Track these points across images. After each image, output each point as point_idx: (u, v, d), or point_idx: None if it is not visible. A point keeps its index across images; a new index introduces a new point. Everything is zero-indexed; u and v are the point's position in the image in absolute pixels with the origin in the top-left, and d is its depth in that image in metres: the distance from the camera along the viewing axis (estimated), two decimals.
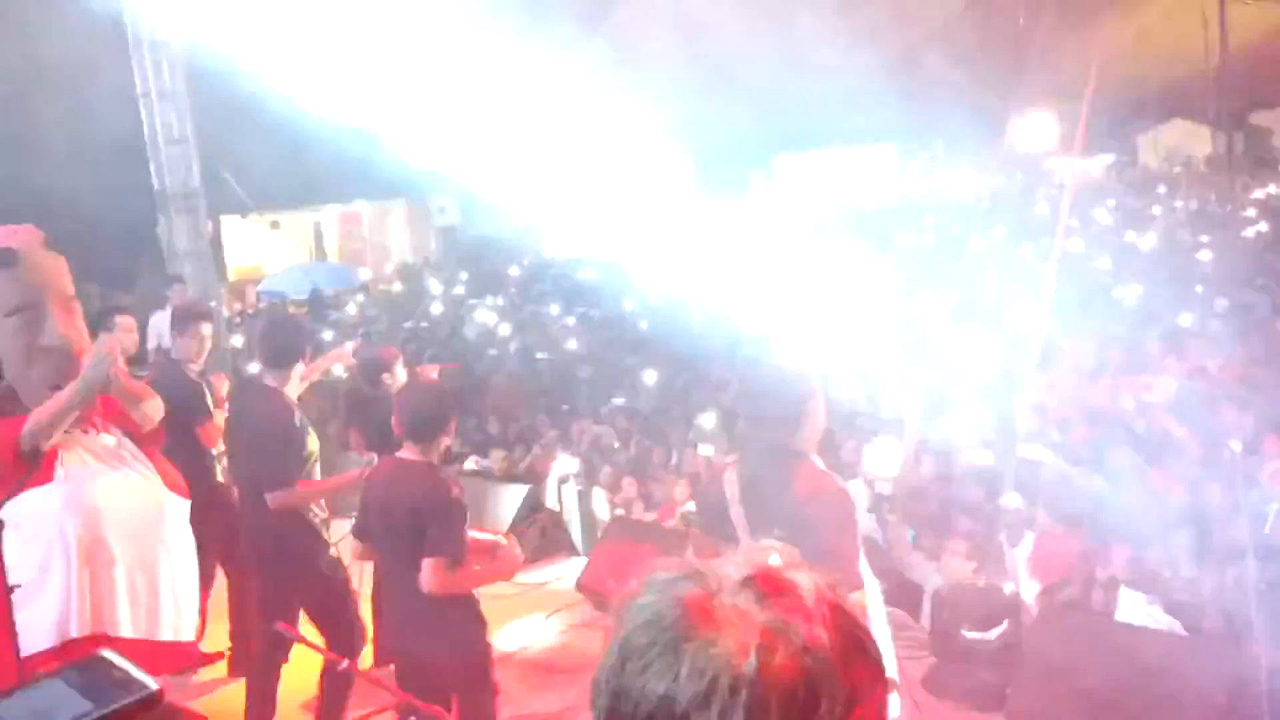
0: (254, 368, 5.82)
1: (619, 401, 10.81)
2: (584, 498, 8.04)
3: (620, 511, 8.16)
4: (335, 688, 4.49)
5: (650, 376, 11.54)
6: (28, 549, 3.44)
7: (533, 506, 7.70)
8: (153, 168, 11.12)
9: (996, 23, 17.69)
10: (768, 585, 0.99)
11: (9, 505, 3.41)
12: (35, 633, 3.35)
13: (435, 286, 20.22)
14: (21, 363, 3.45)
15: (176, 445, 5.17)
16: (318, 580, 4.57)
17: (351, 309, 20.97)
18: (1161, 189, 29.56)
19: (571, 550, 7.50)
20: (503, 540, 4.21)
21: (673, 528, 7.53)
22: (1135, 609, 5.36)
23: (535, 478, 8.57)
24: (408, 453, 3.91)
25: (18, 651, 3.28)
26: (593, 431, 9.98)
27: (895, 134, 42.99)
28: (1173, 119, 39.51)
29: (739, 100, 20.64)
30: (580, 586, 6.65)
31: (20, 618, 3.28)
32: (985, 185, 24.10)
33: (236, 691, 4.98)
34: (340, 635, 4.54)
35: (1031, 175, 37.27)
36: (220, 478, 5.60)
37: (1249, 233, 16.74)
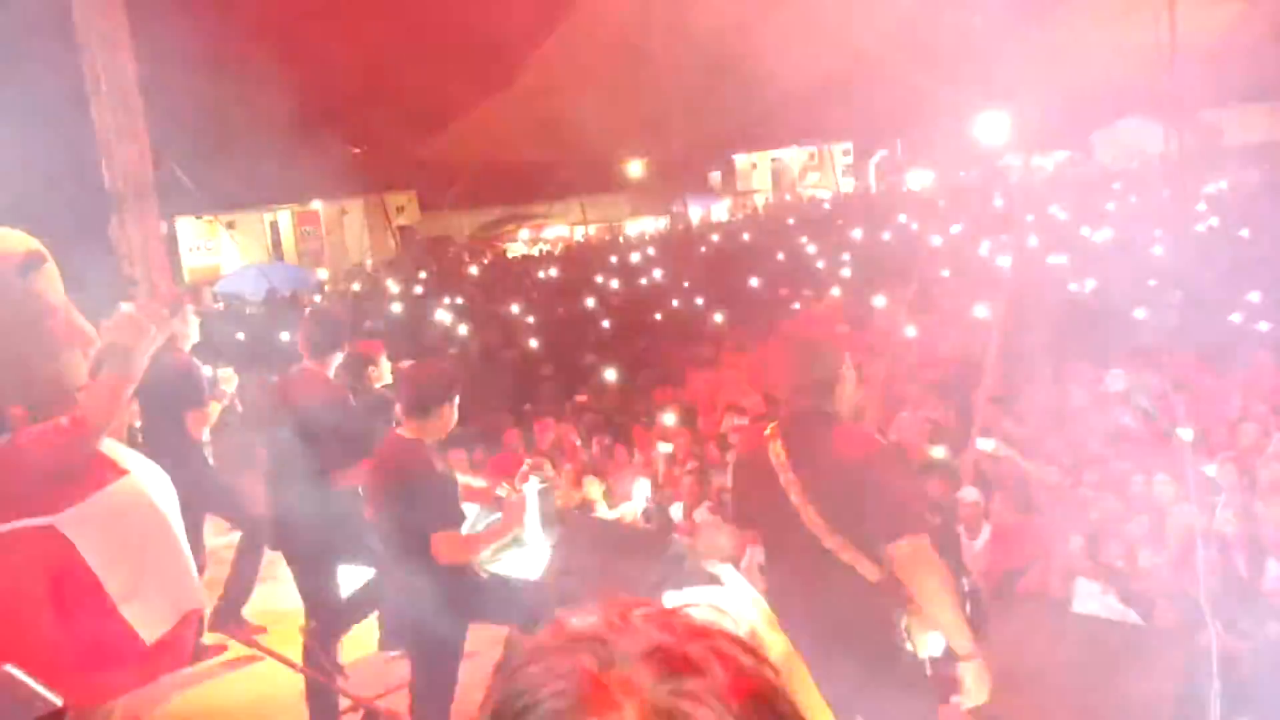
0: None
1: (581, 399, 10.79)
2: (545, 496, 8.01)
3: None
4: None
5: (611, 374, 11.54)
6: (133, 539, 3.46)
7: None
8: (104, 166, 10.94)
9: (953, 23, 17.83)
10: (673, 662, 0.85)
11: (97, 500, 3.39)
12: (156, 617, 3.40)
13: (394, 286, 20.07)
14: (51, 364, 3.43)
15: (169, 431, 5.26)
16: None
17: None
18: (1116, 185, 29.98)
19: (532, 549, 7.47)
20: (502, 490, 4.39)
21: (634, 524, 7.55)
22: (1091, 599, 5.42)
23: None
24: (405, 430, 4.09)
25: (143, 640, 3.35)
26: (554, 430, 9.95)
27: (854, 132, 43.42)
28: (1126, 116, 40.17)
29: (696, 101, 20.68)
30: (539, 587, 6.63)
31: (132, 610, 3.33)
32: (943, 182, 24.29)
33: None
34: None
35: (988, 172, 37.75)
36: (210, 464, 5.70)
37: (1200, 227, 17.00)
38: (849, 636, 3.07)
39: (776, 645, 1.00)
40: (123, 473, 3.56)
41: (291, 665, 4.33)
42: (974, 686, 3.12)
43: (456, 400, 4.17)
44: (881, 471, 3.13)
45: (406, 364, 5.81)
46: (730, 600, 1.02)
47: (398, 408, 5.89)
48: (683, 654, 0.85)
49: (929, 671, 3.29)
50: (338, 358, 4.96)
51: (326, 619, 4.84)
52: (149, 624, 3.38)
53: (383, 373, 5.98)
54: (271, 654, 4.24)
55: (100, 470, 3.51)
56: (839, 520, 3.12)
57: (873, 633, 3.16)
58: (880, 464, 3.15)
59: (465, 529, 4.30)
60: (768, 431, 3.34)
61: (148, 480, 3.65)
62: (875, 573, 3.11)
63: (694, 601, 0.97)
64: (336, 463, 4.65)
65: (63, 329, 3.49)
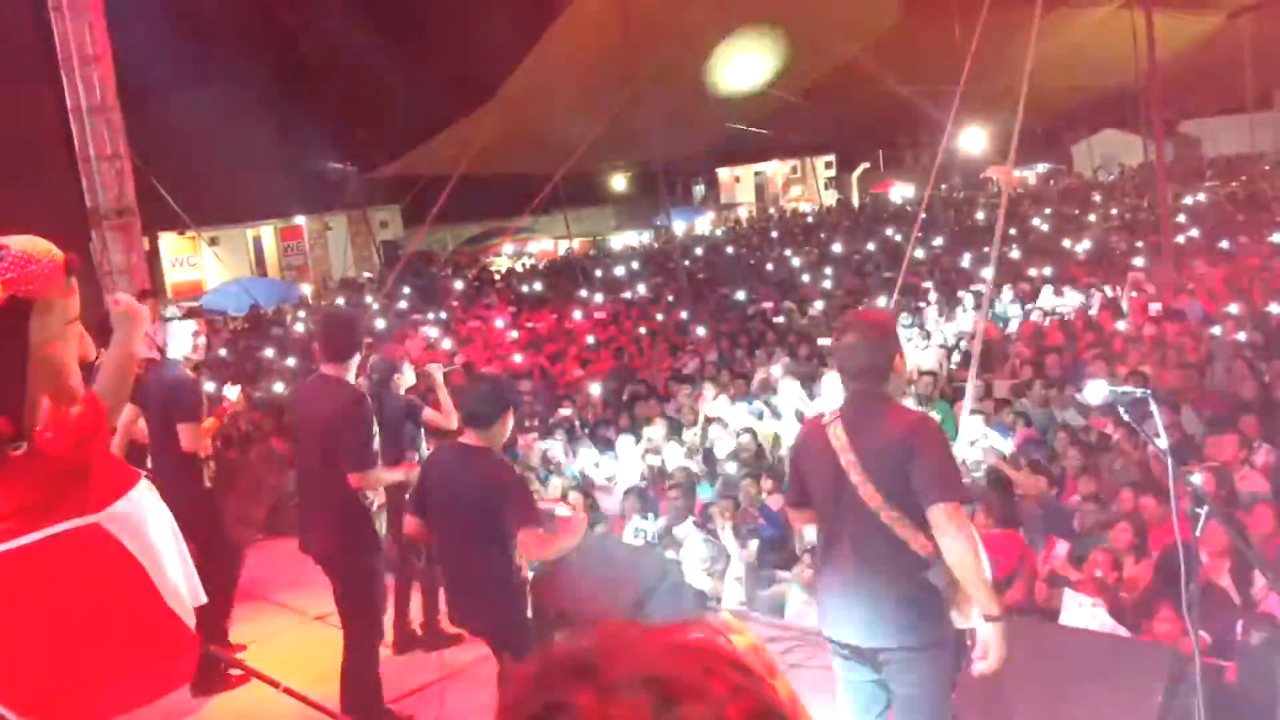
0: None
1: (565, 413, 10.77)
2: None
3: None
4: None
5: (596, 389, 11.53)
6: (160, 537, 3.58)
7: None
8: (84, 184, 10.90)
9: (932, 36, 17.93)
10: (670, 688, 0.83)
11: (131, 498, 3.48)
12: (186, 611, 3.52)
13: (378, 301, 20.02)
14: (68, 374, 3.47)
15: (170, 444, 5.34)
16: (366, 568, 4.83)
17: (300, 326, 20.71)
18: (1096, 197, 30.18)
19: None
20: (565, 508, 4.52)
21: (621, 539, 7.53)
22: (1078, 611, 5.44)
23: None
24: (468, 439, 4.18)
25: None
26: (539, 445, 9.93)
27: (835, 145, 43.60)
28: (1105, 129, 40.47)
29: (679, 114, 20.71)
30: None
31: (173, 603, 3.43)
32: (924, 194, 24.37)
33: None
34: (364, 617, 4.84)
35: (969, 184, 37.96)
36: (207, 482, 5.69)
37: (1180, 239, 17.12)
38: (903, 609, 3.40)
39: (781, 689, 0.98)
40: (138, 475, 3.63)
41: (273, 684, 4.32)
42: (995, 648, 3.35)
43: (514, 410, 4.30)
44: (924, 442, 3.37)
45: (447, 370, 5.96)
46: (726, 620, 1.01)
47: (425, 412, 6.01)
48: (679, 678, 0.84)
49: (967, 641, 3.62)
50: (355, 361, 4.95)
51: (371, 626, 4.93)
52: (187, 616, 3.50)
53: (407, 379, 6.13)
54: (255, 674, 4.23)
55: (124, 470, 3.62)
56: (894, 495, 3.35)
57: (926, 601, 3.40)
58: (924, 435, 3.39)
59: None
60: (827, 417, 3.61)
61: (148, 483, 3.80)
62: (928, 548, 3.34)
63: (688, 621, 0.97)
64: (360, 465, 4.68)
65: (75, 338, 3.59)
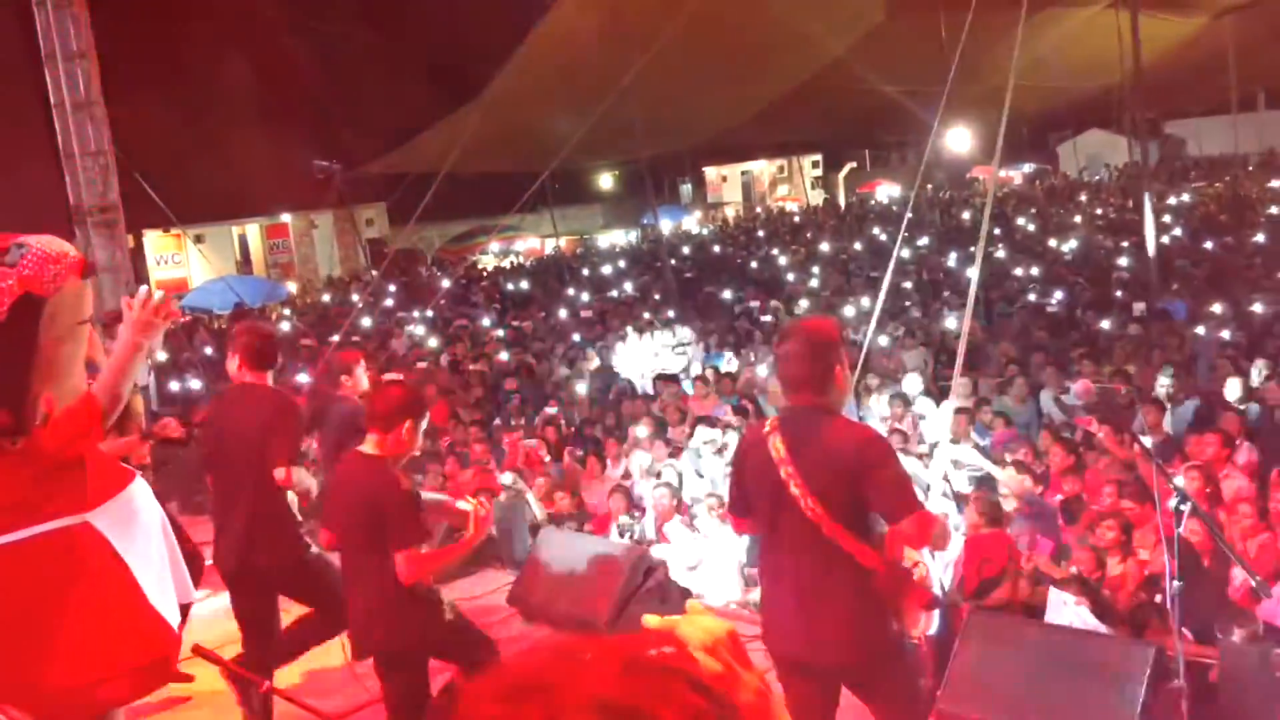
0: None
1: (551, 412, 10.76)
2: (516, 509, 7.98)
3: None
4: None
5: (582, 387, 11.52)
6: (149, 536, 3.66)
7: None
8: (68, 181, 10.84)
9: (917, 36, 17.97)
10: (624, 715, 0.81)
11: (123, 498, 3.58)
12: (172, 609, 3.60)
13: (363, 299, 19.96)
14: (74, 373, 3.51)
15: None
16: (303, 568, 4.69)
17: (285, 325, 20.62)
18: (1082, 197, 30.30)
19: (503, 563, 7.44)
20: (466, 503, 4.25)
21: (606, 537, 7.53)
22: (1063, 609, 5.45)
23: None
24: (369, 446, 4.02)
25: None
26: (525, 444, 9.91)
27: (822, 144, 43.70)
28: (1090, 129, 40.66)
29: (665, 112, 20.71)
30: (511, 599, 6.61)
31: (158, 603, 3.51)
32: (909, 194, 24.44)
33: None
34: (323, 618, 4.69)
35: (955, 184, 38.07)
36: None
37: (1165, 239, 17.21)
38: (850, 622, 3.33)
39: (748, 682, 0.95)
40: (133, 474, 3.75)
41: (258, 683, 4.29)
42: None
43: (422, 421, 4.09)
44: (876, 458, 3.31)
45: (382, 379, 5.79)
46: (702, 629, 0.98)
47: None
48: (631, 704, 0.81)
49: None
50: (273, 372, 4.84)
51: (266, 643, 4.72)
52: (171, 615, 3.56)
53: (358, 381, 5.93)
54: (233, 668, 4.20)
55: (119, 470, 3.71)
56: (838, 509, 3.28)
57: (871, 618, 3.34)
58: (875, 451, 3.34)
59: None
60: (767, 427, 3.50)
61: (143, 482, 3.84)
62: (873, 560, 3.28)
63: (659, 629, 0.94)
64: (290, 459, 4.54)
65: (85, 339, 3.58)
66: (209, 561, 4.96)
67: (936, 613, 3.44)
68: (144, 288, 4.01)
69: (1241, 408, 8.19)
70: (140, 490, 3.72)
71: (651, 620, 0.95)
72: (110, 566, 3.44)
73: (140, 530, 3.63)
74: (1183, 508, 4.08)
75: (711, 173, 48.27)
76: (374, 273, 30.56)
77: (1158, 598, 5.45)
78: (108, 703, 3.61)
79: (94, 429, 3.53)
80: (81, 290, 3.40)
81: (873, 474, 3.27)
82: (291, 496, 4.69)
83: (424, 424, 4.12)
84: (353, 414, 5.63)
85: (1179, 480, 5.32)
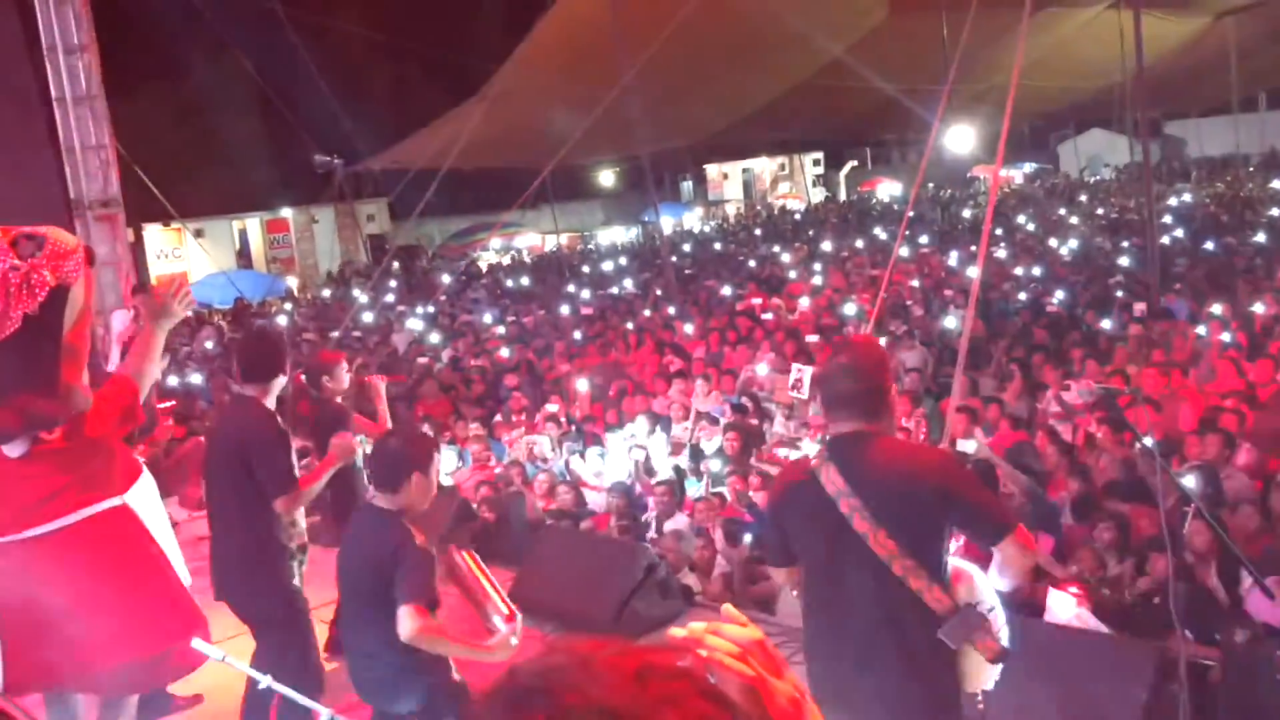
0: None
1: (552, 409, 10.75)
2: (518, 506, 7.97)
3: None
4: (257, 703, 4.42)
5: (582, 384, 11.50)
6: (162, 521, 3.86)
7: (463, 515, 7.65)
8: (68, 174, 10.81)
9: (919, 35, 17.96)
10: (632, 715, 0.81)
11: (143, 481, 3.75)
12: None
13: (364, 294, 19.96)
14: (84, 361, 3.64)
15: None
16: (285, 603, 4.47)
17: (282, 319, 20.62)
18: (1082, 197, 30.31)
19: (505, 560, 7.42)
20: (500, 616, 3.83)
21: (607, 534, 7.52)
22: (1064, 610, 5.45)
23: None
24: (379, 501, 3.78)
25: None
26: (525, 441, 9.91)
27: (823, 142, 43.70)
28: (1091, 129, 40.68)
29: (667, 109, 20.70)
30: (512, 596, 6.59)
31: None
32: (910, 193, 24.46)
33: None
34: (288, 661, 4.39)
35: (956, 183, 38.09)
36: None
37: (1165, 239, 17.21)
38: (915, 668, 2.98)
39: (781, 690, 0.94)
40: (141, 461, 3.91)
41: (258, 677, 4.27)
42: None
43: (433, 468, 3.80)
44: (961, 480, 3.04)
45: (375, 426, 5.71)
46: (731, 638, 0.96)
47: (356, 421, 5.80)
48: (637, 712, 0.81)
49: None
50: (279, 381, 4.63)
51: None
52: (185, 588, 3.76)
53: (339, 383, 5.85)
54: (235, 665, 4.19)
55: (133, 455, 3.86)
56: (909, 542, 2.94)
57: (940, 665, 3.00)
58: (957, 472, 3.06)
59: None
60: (813, 462, 3.16)
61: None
62: (944, 602, 2.95)
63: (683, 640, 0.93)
64: (284, 488, 4.40)
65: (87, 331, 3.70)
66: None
67: (999, 668, 3.02)
68: (163, 276, 4.12)
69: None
70: (148, 476, 3.86)
71: (678, 631, 0.95)
72: (149, 547, 3.64)
73: (155, 514, 3.80)
74: (1186, 508, 4.07)
75: (713, 170, 48.27)
76: (359, 263, 30.55)
77: (1158, 599, 5.45)
78: (164, 677, 3.86)
79: (135, 411, 3.69)
80: (90, 279, 3.50)
81: (963, 498, 2.97)
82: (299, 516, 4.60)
83: (434, 470, 3.81)
84: (335, 418, 5.58)
85: (1185, 480, 5.31)
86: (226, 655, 3.29)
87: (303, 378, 5.97)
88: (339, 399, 5.90)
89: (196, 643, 3.31)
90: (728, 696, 0.87)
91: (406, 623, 3.49)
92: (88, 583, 3.39)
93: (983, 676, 3.04)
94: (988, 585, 3.08)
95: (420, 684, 3.71)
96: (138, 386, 3.72)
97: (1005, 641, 3.00)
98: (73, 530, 3.41)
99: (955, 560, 3.09)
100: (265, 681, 3.21)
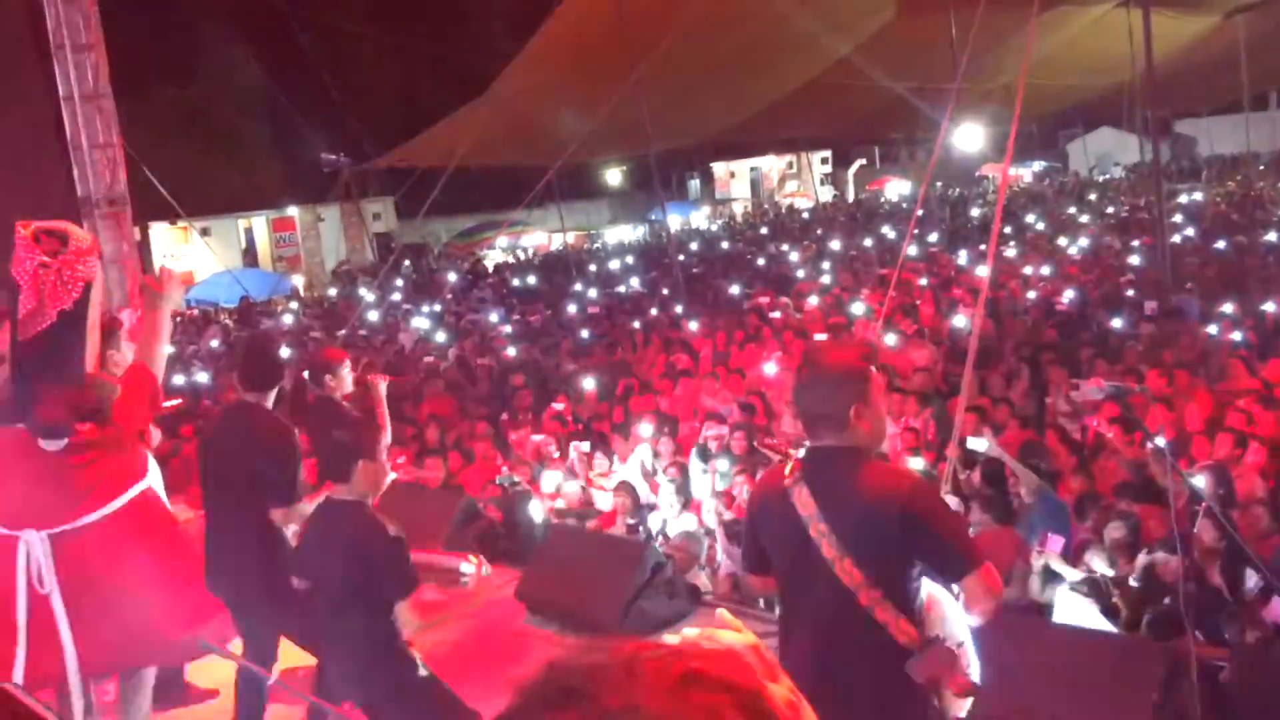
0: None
1: (558, 408, 10.73)
2: (523, 505, 7.96)
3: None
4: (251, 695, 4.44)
5: (589, 383, 11.48)
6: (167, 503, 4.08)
7: (469, 515, 7.63)
8: (75, 172, 10.83)
9: (928, 33, 17.90)
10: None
11: (153, 465, 3.98)
12: None
13: (370, 293, 19.97)
14: (90, 360, 3.69)
15: None
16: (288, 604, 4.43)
17: (288, 317, 20.64)
18: (1092, 196, 30.22)
19: (510, 559, 7.41)
20: (467, 565, 3.97)
21: (613, 533, 7.50)
22: (1073, 609, 5.42)
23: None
24: (338, 493, 3.78)
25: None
26: (532, 440, 9.89)
27: (831, 140, 43.62)
28: (1100, 127, 40.54)
29: (673, 108, 20.67)
30: (519, 595, 6.58)
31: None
32: (918, 191, 24.38)
33: None
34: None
35: (964, 182, 37.99)
36: None
37: (1176, 238, 17.13)
38: (880, 702, 2.87)
39: (777, 694, 0.92)
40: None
41: (264, 672, 4.27)
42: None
43: (380, 453, 3.83)
44: (928, 510, 2.86)
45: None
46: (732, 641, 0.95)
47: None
48: (669, 706, 0.80)
49: None
50: (276, 390, 4.68)
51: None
52: None
53: (342, 382, 5.82)
54: (235, 659, 4.19)
55: (140, 445, 3.95)
56: (876, 572, 2.81)
57: (905, 698, 2.87)
58: (924, 501, 2.86)
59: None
60: (786, 472, 2.99)
61: None
62: (910, 634, 2.82)
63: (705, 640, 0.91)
64: (285, 499, 4.41)
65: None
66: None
67: (969, 702, 2.93)
68: (159, 268, 4.23)
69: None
70: (154, 462, 4.08)
71: (671, 639, 0.93)
72: (176, 524, 3.88)
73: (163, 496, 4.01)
74: (1196, 508, 4.03)
75: (720, 168, 48.21)
76: (355, 264, 30.55)
77: (1168, 599, 5.41)
78: (190, 655, 4.07)
79: (159, 397, 3.87)
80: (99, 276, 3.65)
81: (926, 528, 2.81)
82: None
83: (379, 457, 3.83)
84: (330, 415, 5.51)
85: (1196, 480, 5.27)
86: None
87: (305, 375, 5.94)
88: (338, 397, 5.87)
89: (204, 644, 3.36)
90: (769, 712, 0.85)
91: (407, 617, 3.54)
92: (141, 563, 3.56)
93: (952, 708, 2.94)
94: (960, 616, 2.96)
95: (388, 675, 3.71)
96: (155, 373, 3.84)
97: (976, 677, 2.89)
98: (119, 515, 3.58)
99: (929, 585, 2.96)
100: (273, 679, 3.22)
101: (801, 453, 3.06)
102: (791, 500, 2.91)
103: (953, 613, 2.96)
